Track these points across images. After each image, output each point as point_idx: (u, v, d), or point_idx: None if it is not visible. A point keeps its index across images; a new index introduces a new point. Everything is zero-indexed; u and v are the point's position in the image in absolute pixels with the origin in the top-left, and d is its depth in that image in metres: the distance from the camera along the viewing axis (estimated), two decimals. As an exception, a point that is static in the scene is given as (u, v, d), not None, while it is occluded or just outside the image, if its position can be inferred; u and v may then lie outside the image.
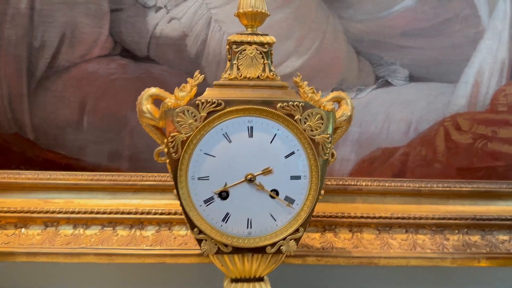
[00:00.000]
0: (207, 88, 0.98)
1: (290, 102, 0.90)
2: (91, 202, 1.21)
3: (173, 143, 0.89)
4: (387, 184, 1.25)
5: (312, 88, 1.04)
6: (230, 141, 0.89)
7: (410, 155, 1.26)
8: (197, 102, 0.89)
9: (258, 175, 0.89)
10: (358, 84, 1.25)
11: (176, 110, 0.89)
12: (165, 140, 0.90)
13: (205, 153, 0.89)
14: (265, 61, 0.95)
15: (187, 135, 0.89)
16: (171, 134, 0.89)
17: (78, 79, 1.21)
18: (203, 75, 1.00)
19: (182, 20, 1.22)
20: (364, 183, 1.25)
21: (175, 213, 1.17)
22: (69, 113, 1.22)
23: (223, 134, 0.88)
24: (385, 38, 1.23)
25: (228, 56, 1.03)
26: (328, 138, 0.92)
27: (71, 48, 1.21)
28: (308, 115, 0.91)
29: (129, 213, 1.19)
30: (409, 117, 1.25)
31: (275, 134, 0.89)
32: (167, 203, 1.20)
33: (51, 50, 1.20)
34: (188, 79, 1.01)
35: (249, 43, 0.94)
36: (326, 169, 0.93)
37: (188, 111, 0.89)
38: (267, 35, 1.03)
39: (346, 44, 1.24)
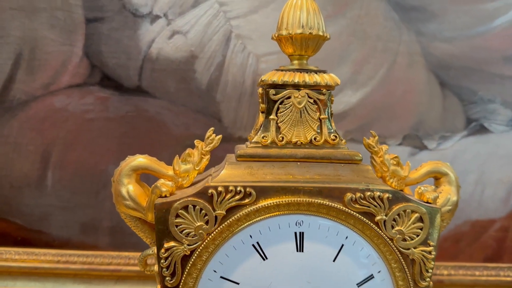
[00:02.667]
0: (226, 164, 0.62)
1: (369, 192, 0.61)
2: (56, 294, 0.99)
3: (169, 259, 0.60)
4: (477, 273, 1.01)
5: (396, 156, 0.68)
6: (265, 258, 0.62)
7: (510, 231, 1.02)
8: (210, 191, 0.60)
9: (312, 315, 0.60)
10: (442, 129, 0.99)
11: (175, 205, 0.60)
12: (154, 249, 0.64)
13: (222, 277, 0.62)
14: (321, 116, 0.66)
15: (193, 247, 0.60)
16: (165, 246, 0.60)
17: (40, 120, 0.97)
18: (220, 136, 0.65)
19: (189, 35, 0.95)
20: (445, 272, 1.00)
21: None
22: (27, 167, 0.98)
23: (254, 246, 0.61)
24: (481, 64, 0.98)
25: (262, 105, 0.66)
26: (430, 252, 0.63)
27: (30, 75, 0.96)
28: (399, 215, 0.62)
29: (109, 313, 0.98)
30: (510, 178, 1.01)
31: (342, 246, 0.62)
32: (164, 299, 0.93)
33: (1, 77, 0.96)
34: (197, 143, 0.68)
35: (297, 86, 0.66)
36: (424, 302, 0.61)
37: (195, 207, 0.60)
38: (325, 71, 0.67)
39: (426, 72, 0.98)
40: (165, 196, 0.61)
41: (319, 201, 0.59)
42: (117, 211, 0.69)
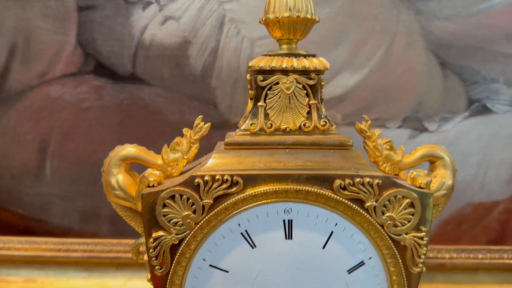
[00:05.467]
0: (213, 152, 0.60)
1: (358, 178, 0.59)
2: (58, 281, 0.98)
3: (157, 248, 0.60)
4: (480, 256, 0.98)
5: (389, 141, 0.67)
6: (253, 246, 0.61)
7: (514, 213, 1.01)
8: (197, 180, 0.59)
9: (301, 303, 0.60)
10: (443, 110, 0.96)
11: (162, 194, 0.60)
12: (142, 240, 0.65)
13: (211, 266, 0.61)
14: (311, 101, 0.65)
15: (181, 236, 0.60)
16: (154, 235, 0.60)
17: (36, 109, 0.97)
18: (208, 124, 0.64)
19: (181, 20, 0.94)
20: (447, 255, 0.98)
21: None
22: (26, 156, 0.98)
23: (242, 234, 0.61)
24: (483, 42, 0.95)
25: (250, 91, 0.65)
26: (423, 238, 0.61)
27: (25, 65, 0.95)
28: (389, 201, 0.60)
29: (110, 299, 0.97)
30: (515, 159, 0.99)
31: (331, 233, 0.61)
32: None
33: (-3, 68, 0.97)
34: (185, 131, 0.66)
35: (285, 71, 0.64)
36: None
37: (181, 196, 0.59)
38: (314, 55, 0.65)
39: (426, 52, 0.95)
40: (153, 186, 0.61)
41: (307, 188, 0.58)
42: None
